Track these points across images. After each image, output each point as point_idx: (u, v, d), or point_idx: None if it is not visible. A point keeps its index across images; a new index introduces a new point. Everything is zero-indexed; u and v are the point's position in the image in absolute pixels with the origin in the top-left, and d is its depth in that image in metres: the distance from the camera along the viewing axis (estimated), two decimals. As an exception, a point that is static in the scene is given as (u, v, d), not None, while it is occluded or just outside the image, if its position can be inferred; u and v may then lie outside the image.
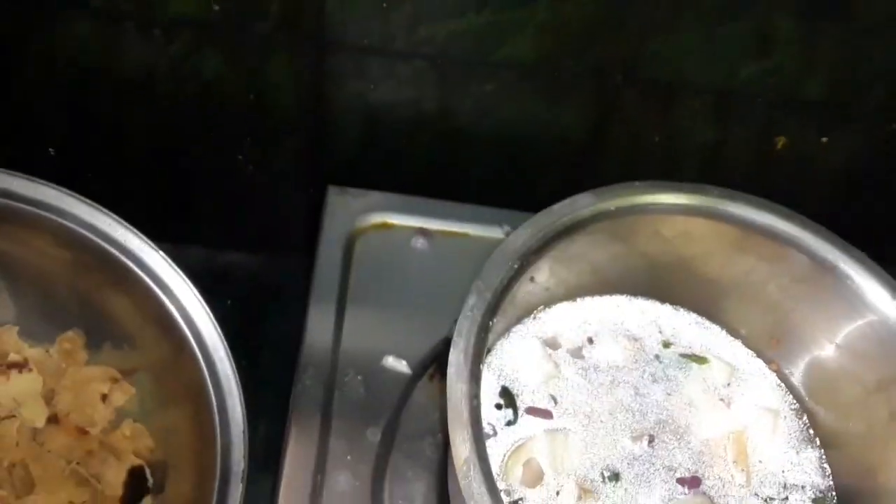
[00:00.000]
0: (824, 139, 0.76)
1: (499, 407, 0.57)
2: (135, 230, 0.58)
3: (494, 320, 0.50)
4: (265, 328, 0.78)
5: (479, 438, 0.44)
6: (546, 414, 0.57)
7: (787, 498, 0.58)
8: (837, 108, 0.74)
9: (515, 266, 0.52)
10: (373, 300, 0.68)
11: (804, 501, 0.58)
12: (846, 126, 0.76)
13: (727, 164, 0.77)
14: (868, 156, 0.78)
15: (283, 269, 0.83)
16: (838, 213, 0.63)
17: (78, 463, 0.61)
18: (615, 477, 0.56)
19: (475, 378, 0.47)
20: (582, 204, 0.55)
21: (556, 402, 0.58)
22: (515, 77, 0.70)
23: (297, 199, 0.79)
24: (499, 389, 0.57)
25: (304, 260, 0.71)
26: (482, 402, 0.47)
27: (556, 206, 0.55)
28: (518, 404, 0.57)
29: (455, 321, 0.50)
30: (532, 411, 0.57)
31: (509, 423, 0.56)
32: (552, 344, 0.61)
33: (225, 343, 0.57)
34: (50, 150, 0.73)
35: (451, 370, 0.47)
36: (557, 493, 0.54)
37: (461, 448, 0.44)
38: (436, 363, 0.64)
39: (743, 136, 0.76)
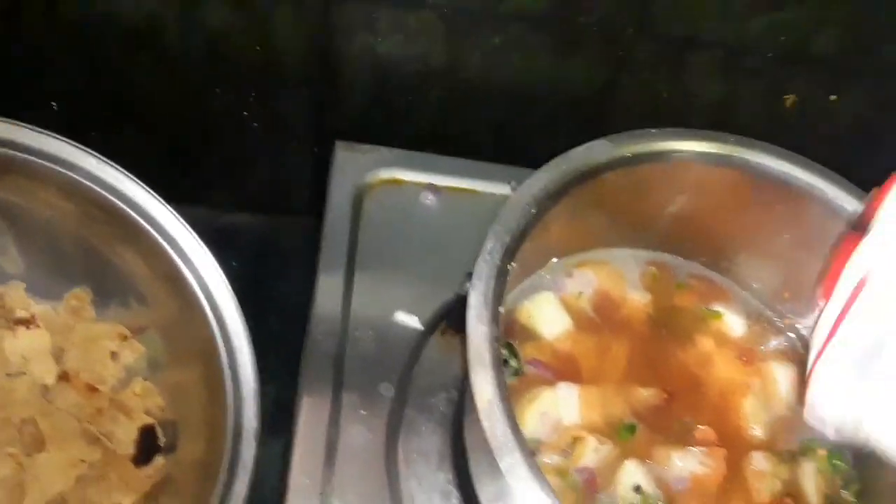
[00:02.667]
0: (833, 97, 0.76)
1: (504, 362, 0.57)
2: (144, 185, 0.57)
3: (513, 264, 0.49)
4: (272, 291, 0.78)
5: (501, 380, 0.44)
6: (560, 367, 0.57)
7: (803, 451, 0.58)
8: (847, 65, 0.74)
9: (533, 211, 0.51)
10: (382, 256, 0.67)
11: (820, 458, 0.58)
12: (855, 84, 0.75)
13: (736, 121, 0.77)
14: (877, 114, 0.78)
15: (290, 230, 0.83)
16: (846, 173, 0.63)
17: (89, 422, 0.60)
18: (631, 429, 0.56)
19: (495, 320, 0.46)
20: (598, 150, 0.55)
21: (570, 355, 0.58)
22: (524, 30, 0.69)
23: (304, 157, 0.78)
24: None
25: (311, 221, 0.70)
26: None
27: (573, 152, 0.54)
28: (527, 357, 0.57)
29: (468, 273, 0.50)
30: (544, 365, 0.57)
31: (515, 374, 0.56)
32: (565, 298, 0.60)
33: (235, 300, 0.56)
34: (53, 104, 0.72)
35: (472, 313, 0.46)
36: (573, 444, 0.54)
37: (484, 389, 0.44)
38: (447, 318, 0.64)
39: (752, 93, 0.75)
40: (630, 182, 0.57)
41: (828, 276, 0.43)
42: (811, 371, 0.43)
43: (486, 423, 0.43)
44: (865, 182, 0.61)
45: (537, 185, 0.53)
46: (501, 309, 0.48)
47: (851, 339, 0.39)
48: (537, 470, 0.43)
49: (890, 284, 0.39)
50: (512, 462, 0.43)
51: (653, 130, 0.57)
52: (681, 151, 0.57)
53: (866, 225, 0.43)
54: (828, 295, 0.41)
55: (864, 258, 0.40)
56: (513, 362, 0.56)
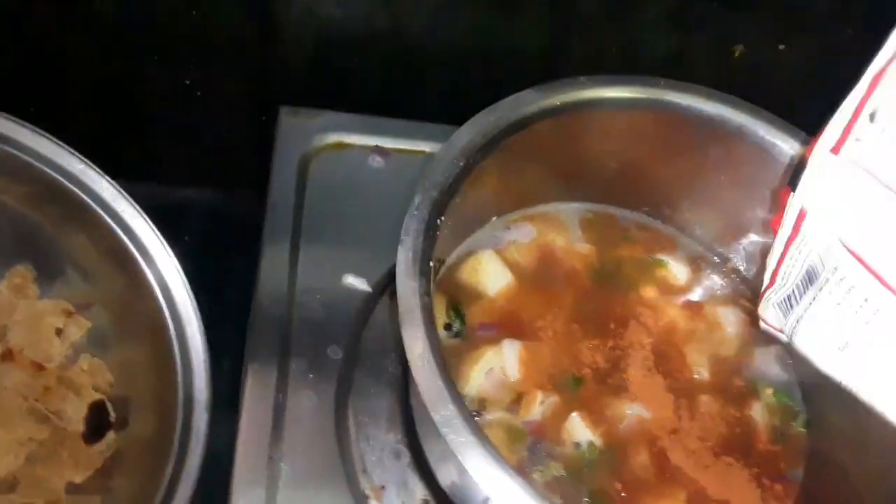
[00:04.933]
0: (781, 46, 0.75)
1: (447, 327, 0.57)
2: (89, 162, 0.57)
3: (442, 219, 0.49)
4: (224, 264, 0.77)
5: (431, 333, 0.44)
6: (504, 324, 0.57)
7: (751, 390, 0.58)
8: (794, 12, 0.73)
9: (461, 163, 0.51)
10: (330, 220, 0.66)
11: (767, 396, 0.58)
12: (802, 33, 0.75)
13: (686, 74, 0.75)
14: (825, 62, 0.77)
15: (241, 202, 0.81)
16: (798, 122, 0.62)
17: (37, 400, 0.59)
18: (576, 381, 0.56)
19: (425, 274, 0.46)
20: (526, 100, 0.54)
21: (513, 311, 0.57)
22: (467, -14, 0.68)
23: (250, 127, 0.77)
24: (448, 306, 0.57)
25: (260, 193, 0.69)
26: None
27: (500, 103, 0.54)
28: (472, 317, 0.57)
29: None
30: (486, 325, 0.57)
31: (458, 335, 0.56)
32: (506, 254, 0.60)
33: (182, 273, 0.56)
34: (-11, 80, 0.70)
35: (400, 268, 0.46)
36: (519, 400, 0.54)
37: (415, 344, 0.44)
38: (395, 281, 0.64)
39: (701, 45, 0.75)
40: (562, 132, 0.56)
41: (773, 222, 0.47)
42: (763, 293, 0.47)
43: (418, 378, 0.43)
44: (815, 131, 0.61)
45: (464, 137, 0.52)
46: (434, 264, 0.47)
47: (789, 273, 0.44)
48: (472, 420, 0.42)
49: (820, 218, 0.42)
50: (446, 415, 0.43)
51: (581, 78, 0.56)
52: (610, 98, 0.56)
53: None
54: (775, 231, 0.45)
55: (799, 199, 0.43)
56: (456, 324, 0.56)
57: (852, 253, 0.41)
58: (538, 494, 0.42)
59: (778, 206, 0.48)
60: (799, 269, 0.44)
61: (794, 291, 0.45)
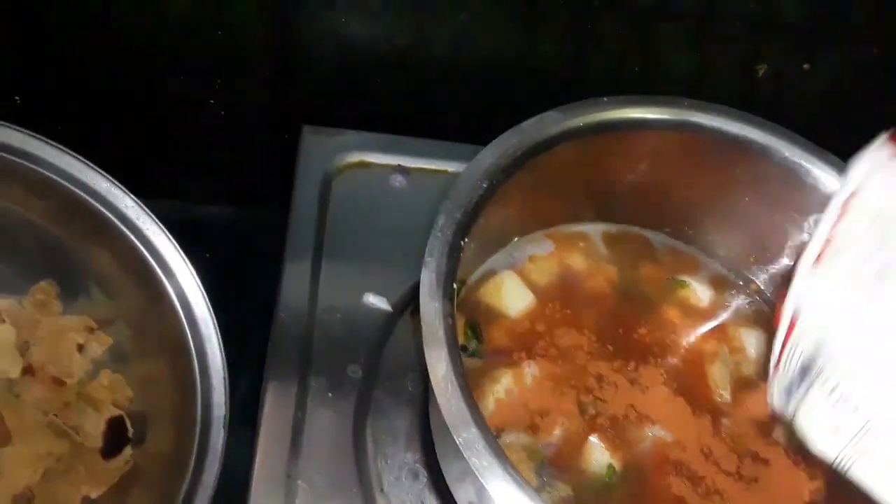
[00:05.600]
0: (806, 66, 0.75)
1: (463, 349, 0.56)
2: (113, 179, 0.57)
3: (466, 240, 0.49)
4: (245, 282, 0.77)
5: (455, 356, 0.44)
6: (525, 345, 0.57)
7: (774, 416, 0.58)
8: (818, 32, 0.73)
9: (484, 185, 0.51)
10: (351, 239, 0.67)
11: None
12: (828, 51, 0.75)
13: (708, 94, 0.75)
14: (851, 82, 0.77)
15: (263, 219, 0.82)
16: (822, 142, 0.62)
17: (56, 415, 0.60)
18: (598, 404, 0.55)
19: (448, 296, 0.46)
20: (549, 121, 0.54)
21: (535, 332, 0.57)
22: (490, 4, 0.68)
23: (272, 145, 0.77)
24: (466, 327, 0.57)
25: (282, 211, 0.69)
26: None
27: (524, 125, 0.54)
28: (492, 337, 0.57)
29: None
30: (507, 346, 0.57)
31: (474, 355, 0.56)
32: (527, 275, 0.60)
33: (202, 290, 0.56)
34: (16, 98, 0.71)
35: (424, 290, 0.46)
36: (538, 422, 0.54)
37: (438, 366, 0.43)
38: (416, 300, 0.63)
39: (724, 64, 0.75)
40: (585, 153, 0.56)
41: (776, 313, 0.50)
42: (769, 378, 0.52)
43: (441, 400, 0.43)
44: (840, 151, 0.60)
45: (488, 159, 0.52)
46: (455, 285, 0.47)
47: (789, 361, 0.49)
48: (494, 442, 0.42)
49: (808, 323, 0.48)
50: (468, 437, 0.42)
51: (604, 99, 0.56)
52: (633, 119, 0.56)
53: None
54: (776, 325, 0.50)
55: (791, 300, 0.48)
56: (472, 345, 0.56)
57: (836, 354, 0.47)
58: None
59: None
60: (796, 363, 0.48)
61: (793, 380, 0.49)
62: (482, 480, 0.42)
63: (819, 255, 0.47)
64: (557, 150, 0.54)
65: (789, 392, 0.49)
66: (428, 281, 0.46)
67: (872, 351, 0.46)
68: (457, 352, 0.44)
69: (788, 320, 0.48)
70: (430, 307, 0.45)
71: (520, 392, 0.55)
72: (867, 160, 0.48)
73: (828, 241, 0.47)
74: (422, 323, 0.45)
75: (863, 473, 0.49)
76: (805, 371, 0.48)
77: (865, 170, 0.47)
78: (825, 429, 0.49)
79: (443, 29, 0.70)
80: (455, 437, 0.42)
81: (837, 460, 0.49)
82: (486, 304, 0.58)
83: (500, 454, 0.42)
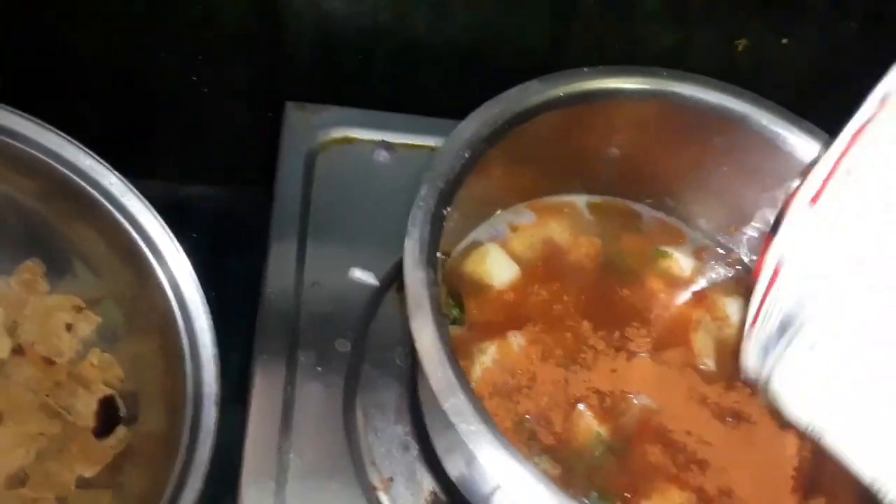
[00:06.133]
0: (785, 40, 0.76)
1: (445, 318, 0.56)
2: (97, 157, 0.57)
3: (448, 209, 0.49)
4: (232, 262, 0.77)
5: (440, 322, 0.44)
6: (510, 315, 0.57)
7: (756, 386, 0.59)
8: (797, 7, 0.74)
9: (466, 154, 0.51)
10: (337, 214, 0.67)
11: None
12: (807, 26, 0.75)
13: (689, 69, 0.75)
14: (830, 56, 0.78)
15: (247, 199, 0.82)
16: (801, 116, 0.63)
17: (47, 395, 0.60)
18: (584, 373, 0.56)
19: (432, 264, 0.46)
20: (530, 91, 0.54)
21: (519, 303, 0.58)
22: (470, -20, 0.69)
23: (256, 123, 0.77)
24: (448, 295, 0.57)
25: (267, 189, 0.69)
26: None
27: (504, 94, 0.54)
28: (477, 309, 0.57)
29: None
30: (492, 317, 0.57)
31: (456, 322, 0.56)
32: (511, 247, 0.60)
33: (190, 268, 0.56)
34: (-2, 78, 0.71)
35: (408, 259, 0.46)
36: (524, 391, 0.55)
37: (423, 334, 0.44)
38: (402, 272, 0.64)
39: (703, 39, 0.75)
40: (566, 123, 0.56)
41: (756, 264, 0.48)
42: (746, 334, 0.49)
43: (427, 367, 0.43)
44: (819, 125, 0.61)
45: (469, 129, 0.52)
46: (439, 254, 0.47)
47: (768, 317, 0.46)
48: (481, 408, 0.43)
49: (795, 270, 0.45)
50: (455, 403, 0.43)
51: (585, 69, 0.56)
52: (613, 89, 0.57)
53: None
54: (757, 274, 0.47)
55: (777, 249, 0.45)
56: (453, 313, 0.56)
57: (821, 308, 0.44)
58: (549, 483, 0.42)
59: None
60: (776, 318, 0.46)
61: (770, 338, 0.46)
62: (470, 446, 0.42)
63: (816, 194, 0.44)
64: (539, 120, 0.54)
65: (766, 351, 0.47)
66: (411, 250, 0.47)
67: (868, 298, 0.43)
68: (441, 319, 0.45)
69: (770, 271, 0.45)
70: (414, 275, 0.46)
71: (506, 362, 0.55)
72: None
73: (829, 176, 0.43)
74: (406, 291, 0.45)
75: (838, 438, 0.47)
76: (784, 326, 0.45)
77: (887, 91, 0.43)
78: (801, 390, 0.47)
79: (424, 5, 0.70)
80: (441, 403, 0.42)
81: (811, 426, 0.48)
82: (471, 276, 0.59)
83: (488, 419, 0.42)
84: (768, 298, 0.46)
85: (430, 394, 0.44)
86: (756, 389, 0.51)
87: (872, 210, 0.42)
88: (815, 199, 0.44)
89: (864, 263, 0.43)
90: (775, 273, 0.45)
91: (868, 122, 0.43)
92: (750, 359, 0.48)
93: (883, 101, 0.43)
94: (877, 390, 0.44)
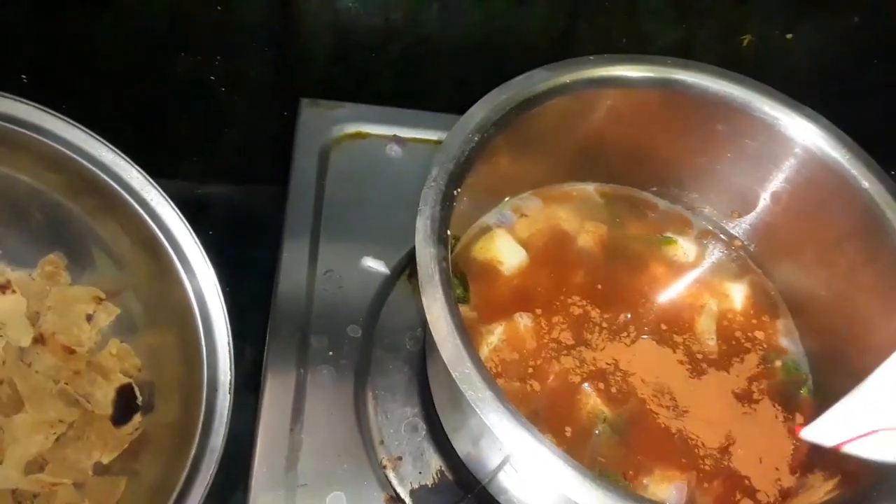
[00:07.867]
0: (789, 35, 0.76)
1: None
2: (118, 151, 0.58)
3: (458, 191, 0.50)
4: (248, 257, 0.78)
5: (449, 296, 0.45)
6: (518, 299, 0.58)
7: (759, 365, 0.59)
8: (799, 2, 0.74)
9: (476, 138, 0.52)
10: (350, 206, 0.68)
11: (777, 368, 0.59)
12: (810, 21, 0.76)
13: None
14: (833, 50, 0.78)
15: (262, 194, 0.83)
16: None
17: (66, 383, 0.61)
18: (590, 354, 0.57)
19: (443, 241, 0.47)
20: (537, 78, 0.56)
21: (527, 287, 0.59)
22: (479, -23, 0.70)
23: (272, 121, 0.79)
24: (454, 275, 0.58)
25: (282, 185, 0.71)
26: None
27: (512, 81, 0.55)
28: (485, 292, 0.58)
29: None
30: (499, 299, 0.58)
31: (461, 301, 0.57)
32: (519, 232, 0.61)
33: (208, 261, 0.57)
34: (23, 77, 0.72)
35: (419, 236, 0.47)
36: (530, 371, 0.55)
37: (433, 306, 0.45)
38: (413, 262, 0.65)
39: (708, 35, 0.76)
40: (571, 109, 0.57)
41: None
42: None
43: (437, 337, 0.44)
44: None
45: (479, 114, 0.53)
46: (449, 232, 0.48)
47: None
48: (489, 376, 0.44)
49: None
50: (465, 372, 0.44)
51: (591, 57, 0.57)
52: (618, 77, 0.58)
53: None
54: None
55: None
56: (458, 291, 0.57)
57: None
58: (559, 452, 0.43)
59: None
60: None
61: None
62: (480, 414, 0.43)
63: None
64: (545, 107, 0.55)
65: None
66: (423, 227, 0.48)
67: None
68: (451, 293, 0.45)
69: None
70: (426, 251, 0.47)
71: (513, 343, 0.56)
72: None
73: None
74: (417, 267, 0.46)
75: None
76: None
77: None
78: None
79: (434, 4, 0.71)
80: (451, 372, 0.43)
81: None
82: (480, 260, 0.60)
83: (496, 387, 0.43)
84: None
85: (441, 369, 0.45)
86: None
87: None
88: None
89: None
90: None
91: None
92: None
93: None
94: None
